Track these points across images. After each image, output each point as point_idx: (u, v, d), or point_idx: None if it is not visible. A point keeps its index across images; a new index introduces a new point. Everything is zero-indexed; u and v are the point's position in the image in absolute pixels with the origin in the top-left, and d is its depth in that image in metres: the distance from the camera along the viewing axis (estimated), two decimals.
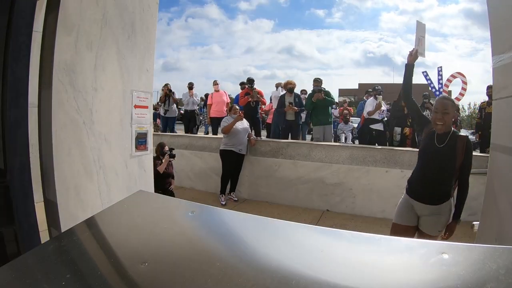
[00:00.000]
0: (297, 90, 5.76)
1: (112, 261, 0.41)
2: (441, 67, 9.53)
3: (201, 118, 8.10)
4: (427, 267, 0.36)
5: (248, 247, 0.44)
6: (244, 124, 4.54)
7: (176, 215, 0.55)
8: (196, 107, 7.33)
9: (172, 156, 3.74)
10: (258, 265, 0.39)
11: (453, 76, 9.24)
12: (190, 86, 7.08)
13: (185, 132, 6.88)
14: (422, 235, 1.97)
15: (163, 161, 3.67)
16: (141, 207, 0.57)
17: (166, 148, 3.79)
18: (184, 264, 0.41)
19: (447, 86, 9.19)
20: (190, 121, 7.12)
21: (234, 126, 4.35)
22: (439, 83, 9.42)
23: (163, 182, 3.71)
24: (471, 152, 1.85)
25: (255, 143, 4.70)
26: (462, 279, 0.34)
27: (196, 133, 6.88)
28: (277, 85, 6.43)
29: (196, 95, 7.21)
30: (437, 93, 9.32)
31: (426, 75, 9.70)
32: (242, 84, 6.61)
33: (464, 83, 8.82)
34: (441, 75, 9.48)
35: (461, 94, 8.40)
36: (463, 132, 2.08)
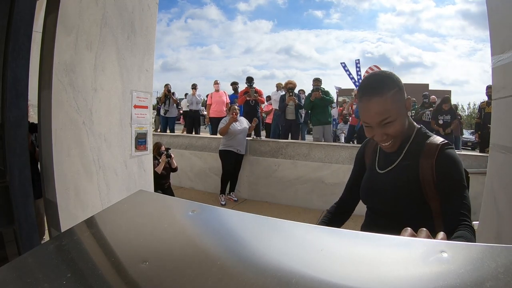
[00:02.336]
0: (296, 90, 5.76)
1: (112, 260, 0.41)
2: (358, 59, 9.84)
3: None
4: (426, 266, 0.36)
5: (249, 246, 0.44)
6: (243, 124, 4.54)
7: (177, 214, 0.55)
8: (200, 107, 7.34)
9: (169, 156, 3.76)
10: (259, 264, 0.39)
11: (371, 68, 9.39)
12: (194, 87, 7.11)
13: (189, 132, 6.87)
14: None
15: (160, 161, 3.67)
16: (141, 206, 0.57)
17: (163, 148, 3.80)
18: (184, 263, 0.41)
19: None
20: (194, 120, 7.12)
21: (232, 128, 4.34)
22: (357, 74, 9.60)
23: (162, 182, 3.71)
24: (455, 172, 0.87)
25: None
26: (461, 278, 0.34)
27: (199, 133, 6.87)
28: (278, 86, 6.44)
29: (199, 95, 7.22)
30: (356, 84, 9.38)
31: (344, 66, 10.00)
32: (233, 84, 6.63)
33: None
34: (359, 67, 9.74)
35: None
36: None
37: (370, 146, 1.12)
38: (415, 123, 1.00)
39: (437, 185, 0.88)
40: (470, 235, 0.82)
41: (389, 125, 0.89)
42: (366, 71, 9.44)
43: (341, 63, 9.95)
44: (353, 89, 6.80)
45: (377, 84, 0.89)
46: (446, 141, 0.93)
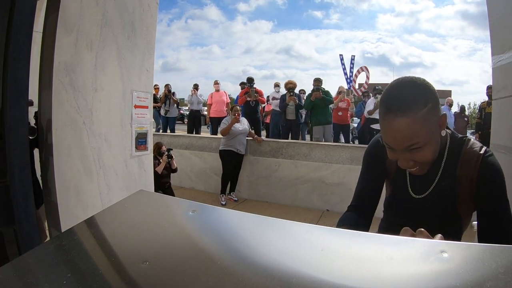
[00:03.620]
0: (296, 90, 5.77)
1: (113, 260, 0.41)
2: (354, 55, 9.80)
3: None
4: (426, 265, 0.37)
5: (249, 246, 0.44)
6: (244, 125, 4.54)
7: (177, 214, 0.55)
8: (201, 107, 7.37)
9: (170, 156, 3.75)
10: (259, 264, 0.39)
11: (361, 69, 9.38)
12: (196, 87, 7.14)
13: (189, 132, 6.88)
14: None
15: (161, 161, 3.67)
16: (141, 206, 0.57)
17: (164, 148, 3.79)
18: (185, 262, 0.41)
19: (356, 77, 9.38)
20: (195, 120, 7.13)
21: (233, 128, 4.35)
22: (350, 70, 9.56)
23: (162, 182, 3.72)
24: (499, 186, 0.76)
25: (261, 140, 4.69)
26: (461, 278, 0.34)
27: (200, 133, 6.88)
28: (276, 85, 6.42)
29: (201, 95, 7.24)
30: (348, 81, 9.30)
31: (341, 58, 9.98)
32: (242, 84, 6.63)
33: (368, 77, 8.95)
34: (353, 64, 9.69)
35: (361, 90, 8.48)
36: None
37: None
38: (446, 130, 0.82)
39: (477, 199, 0.77)
40: None
41: (417, 150, 0.71)
42: (358, 71, 9.37)
43: (340, 55, 9.95)
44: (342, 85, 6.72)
45: (406, 100, 0.69)
46: (485, 147, 0.79)
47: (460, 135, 0.84)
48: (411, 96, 0.70)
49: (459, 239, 0.83)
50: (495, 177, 0.76)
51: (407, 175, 0.87)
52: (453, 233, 0.82)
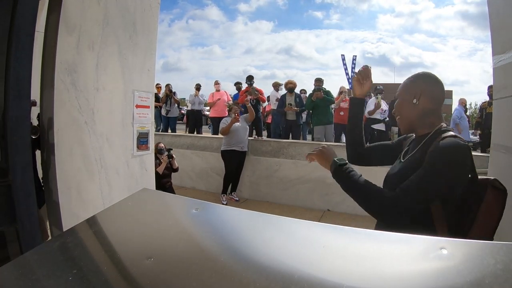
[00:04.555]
0: (297, 90, 5.76)
1: (118, 256, 0.42)
2: (355, 56, 9.83)
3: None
4: (426, 262, 0.37)
5: (252, 243, 0.44)
6: (243, 122, 4.54)
7: (180, 212, 0.55)
8: (202, 107, 7.40)
9: (170, 156, 3.75)
10: (262, 260, 0.40)
11: (363, 68, 9.44)
12: (198, 87, 7.17)
13: (190, 132, 6.90)
14: None
15: (162, 161, 3.67)
16: (145, 204, 0.58)
17: (164, 148, 3.79)
18: (189, 259, 0.41)
19: None
20: (196, 120, 7.15)
21: (233, 127, 4.35)
22: (352, 71, 9.63)
23: (163, 182, 3.72)
24: (430, 164, 0.86)
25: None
26: (461, 274, 0.34)
27: (201, 133, 6.89)
28: (274, 85, 6.41)
29: (202, 96, 7.27)
30: (350, 81, 9.43)
31: (343, 58, 10.01)
32: (237, 84, 6.66)
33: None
34: (355, 64, 9.75)
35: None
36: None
37: (408, 140, 1.16)
38: (442, 123, 0.99)
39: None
40: (373, 190, 0.94)
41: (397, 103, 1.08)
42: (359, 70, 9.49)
43: (341, 55, 10.00)
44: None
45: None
46: (454, 135, 0.90)
47: (449, 131, 0.94)
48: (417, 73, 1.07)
49: (432, 231, 0.86)
50: (437, 152, 0.86)
51: (408, 147, 1.10)
52: (422, 218, 0.87)
